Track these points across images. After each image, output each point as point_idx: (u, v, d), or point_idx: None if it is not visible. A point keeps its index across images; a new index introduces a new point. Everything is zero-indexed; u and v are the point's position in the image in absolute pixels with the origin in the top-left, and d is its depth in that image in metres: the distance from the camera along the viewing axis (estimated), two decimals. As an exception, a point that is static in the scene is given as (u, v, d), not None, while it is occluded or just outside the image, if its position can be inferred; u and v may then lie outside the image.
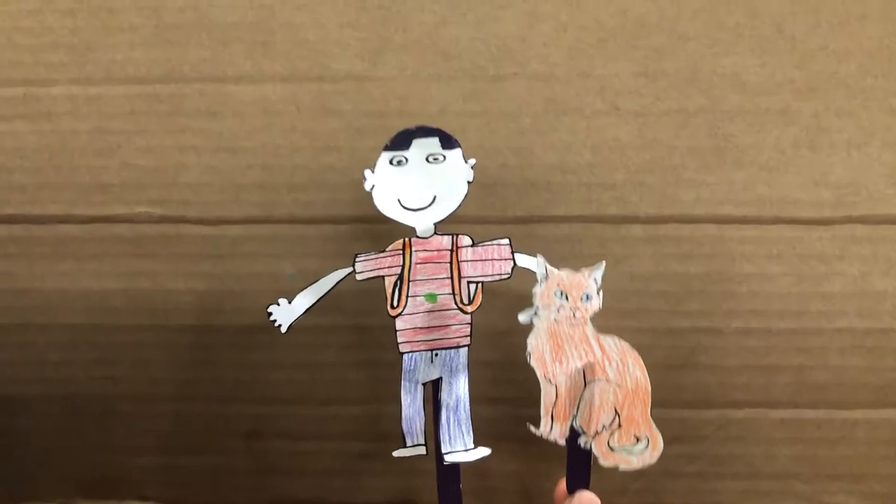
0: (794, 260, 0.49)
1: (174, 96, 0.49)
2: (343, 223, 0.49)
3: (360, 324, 0.49)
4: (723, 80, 0.48)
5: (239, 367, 0.51)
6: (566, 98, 0.49)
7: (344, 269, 0.43)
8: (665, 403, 0.50)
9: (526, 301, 0.42)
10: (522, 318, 0.42)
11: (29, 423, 0.52)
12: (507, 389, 0.49)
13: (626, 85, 0.48)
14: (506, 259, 0.42)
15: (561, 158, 0.49)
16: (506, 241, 0.42)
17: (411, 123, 0.49)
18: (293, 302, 0.42)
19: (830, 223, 0.48)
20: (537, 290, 0.42)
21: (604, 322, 0.49)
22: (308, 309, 0.43)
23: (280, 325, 0.42)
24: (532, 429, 0.42)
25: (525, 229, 0.49)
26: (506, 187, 0.49)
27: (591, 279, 0.42)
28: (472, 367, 0.43)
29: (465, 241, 0.42)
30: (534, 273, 0.42)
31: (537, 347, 0.42)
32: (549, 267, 0.42)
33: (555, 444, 0.42)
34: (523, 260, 0.42)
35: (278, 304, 0.42)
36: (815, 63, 0.48)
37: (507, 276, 0.42)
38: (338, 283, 0.43)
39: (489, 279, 0.42)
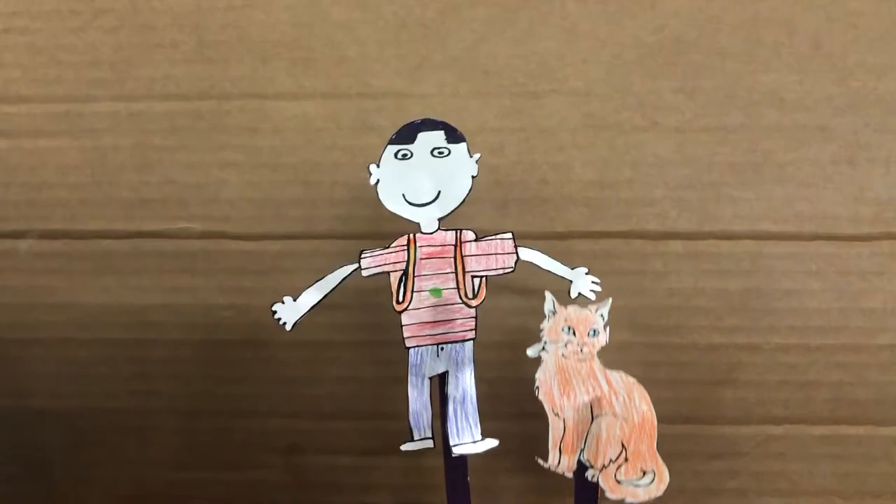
0: (833, 276, 0.49)
1: (215, 112, 0.50)
2: (383, 238, 0.49)
3: (400, 339, 0.49)
4: (761, 96, 0.49)
5: (279, 383, 0.51)
6: (605, 114, 0.49)
7: (349, 266, 0.43)
8: (705, 420, 0.50)
9: (530, 294, 0.42)
10: (531, 352, 0.42)
11: (69, 437, 0.52)
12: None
13: (664, 101, 0.49)
14: (509, 253, 0.42)
15: (600, 174, 0.49)
16: (509, 235, 0.42)
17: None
18: (298, 299, 0.42)
19: (870, 239, 0.48)
20: (545, 325, 0.42)
21: (643, 338, 0.49)
22: (314, 307, 0.42)
23: (285, 324, 0.42)
24: (540, 462, 0.42)
25: (564, 245, 0.49)
26: (545, 203, 0.49)
27: (597, 315, 0.42)
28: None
29: (469, 235, 0.42)
30: (536, 267, 0.42)
31: (545, 381, 0.42)
32: (556, 303, 0.42)
33: (563, 477, 0.42)
34: (526, 254, 0.42)
35: (283, 303, 0.42)
36: (854, 80, 0.48)
37: (510, 270, 0.42)
38: (343, 279, 0.43)
39: (493, 273, 0.42)
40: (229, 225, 0.50)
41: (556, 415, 0.42)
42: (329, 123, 0.50)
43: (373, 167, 0.42)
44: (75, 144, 0.50)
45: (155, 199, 0.50)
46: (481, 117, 0.49)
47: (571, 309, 0.42)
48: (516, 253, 0.42)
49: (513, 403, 0.47)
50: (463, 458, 0.42)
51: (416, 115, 0.49)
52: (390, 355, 0.50)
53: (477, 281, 0.42)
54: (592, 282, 0.42)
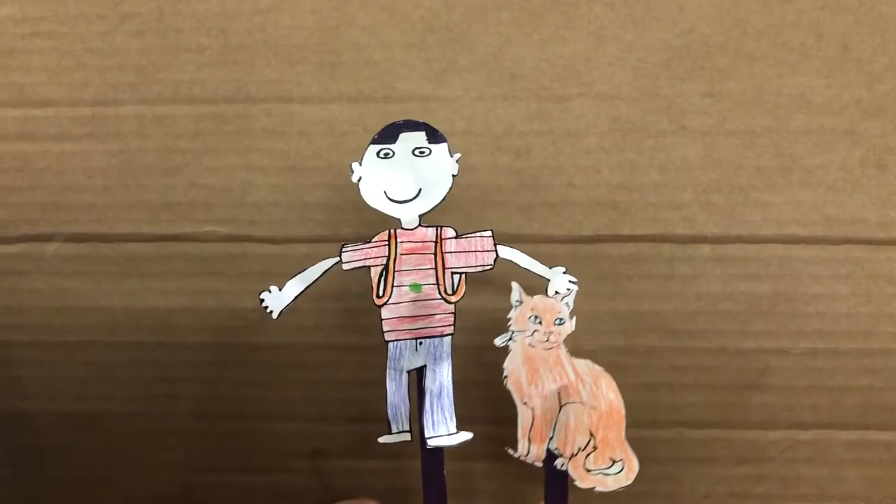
0: (861, 280, 0.48)
1: (241, 116, 0.50)
2: (409, 242, 0.49)
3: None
4: (789, 100, 0.48)
5: (303, 386, 0.51)
6: (632, 118, 0.49)
7: (331, 259, 0.43)
8: (732, 424, 0.49)
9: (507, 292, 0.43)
10: (499, 341, 0.43)
11: (92, 440, 0.52)
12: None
13: (692, 105, 0.49)
14: (488, 251, 0.42)
15: (627, 178, 0.49)
16: (488, 232, 0.43)
17: (476, 144, 0.49)
18: (283, 289, 0.43)
19: (898, 243, 0.48)
20: (512, 315, 0.43)
21: (670, 343, 0.49)
22: (297, 297, 0.43)
23: (272, 312, 0.43)
24: (510, 451, 0.43)
25: (591, 249, 0.49)
26: (572, 206, 0.49)
27: (563, 303, 0.42)
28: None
29: (449, 232, 0.43)
30: (514, 263, 0.43)
31: (514, 371, 0.42)
32: (522, 293, 0.43)
33: (533, 466, 0.43)
34: (506, 252, 0.43)
35: (269, 292, 0.43)
36: (882, 83, 0.48)
37: (489, 267, 0.42)
38: (325, 271, 0.43)
39: (472, 270, 0.43)
40: (255, 228, 0.50)
41: (525, 404, 0.42)
42: (355, 127, 0.50)
43: (355, 165, 0.43)
44: (101, 148, 0.51)
45: (181, 202, 0.50)
46: (508, 121, 0.49)
47: (538, 298, 0.42)
48: (496, 251, 0.43)
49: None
50: (439, 450, 0.42)
51: (443, 119, 0.49)
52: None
53: (457, 277, 0.43)
54: (570, 280, 0.42)
